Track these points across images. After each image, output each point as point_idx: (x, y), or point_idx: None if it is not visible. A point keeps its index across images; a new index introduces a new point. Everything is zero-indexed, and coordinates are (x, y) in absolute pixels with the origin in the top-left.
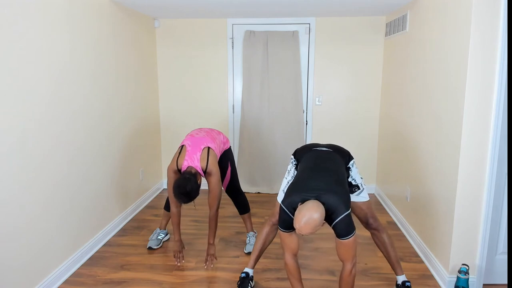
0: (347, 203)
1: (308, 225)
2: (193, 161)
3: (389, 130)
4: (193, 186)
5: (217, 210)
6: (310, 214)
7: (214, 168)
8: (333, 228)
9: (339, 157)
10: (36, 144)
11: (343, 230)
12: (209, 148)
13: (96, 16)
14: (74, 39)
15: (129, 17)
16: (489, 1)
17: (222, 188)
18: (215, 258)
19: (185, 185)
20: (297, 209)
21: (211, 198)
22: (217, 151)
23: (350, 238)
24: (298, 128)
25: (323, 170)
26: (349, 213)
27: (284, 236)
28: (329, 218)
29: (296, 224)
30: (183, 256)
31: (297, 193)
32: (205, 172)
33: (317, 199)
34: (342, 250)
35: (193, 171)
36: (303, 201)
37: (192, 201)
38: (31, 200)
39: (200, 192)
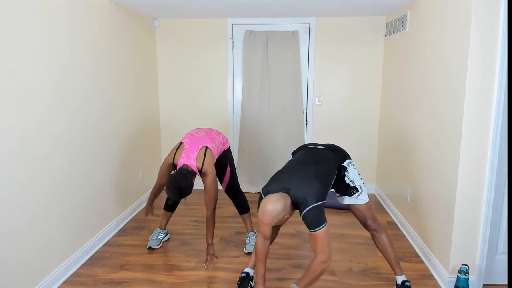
0: (319, 196)
1: (267, 216)
2: (189, 159)
3: (389, 130)
4: (188, 184)
5: (213, 210)
6: (269, 206)
7: (209, 168)
8: (302, 219)
9: (332, 155)
10: (36, 144)
11: (310, 222)
12: (206, 148)
13: (96, 16)
14: (74, 39)
15: (129, 17)
16: (489, 1)
17: (222, 188)
18: (216, 257)
19: (181, 181)
20: (262, 200)
21: (207, 199)
22: (215, 152)
23: (319, 231)
24: (298, 128)
25: (307, 163)
26: (317, 206)
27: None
28: (299, 210)
29: (258, 214)
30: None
31: (273, 184)
32: (200, 171)
33: (287, 192)
34: (312, 242)
35: (189, 169)
36: (277, 192)
37: (184, 198)
38: (31, 200)
39: (198, 192)
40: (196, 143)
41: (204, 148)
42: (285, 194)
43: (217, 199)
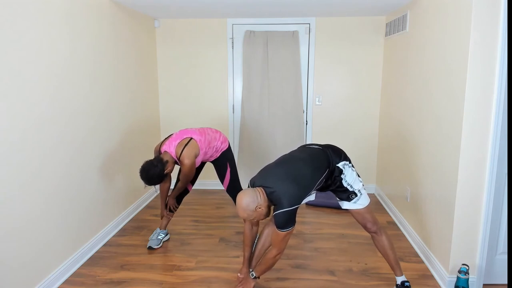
0: (293, 201)
1: (238, 208)
2: (170, 147)
3: (389, 130)
4: (155, 173)
5: (185, 184)
6: (242, 199)
7: (186, 159)
8: (273, 216)
9: (325, 154)
10: (36, 144)
11: (278, 222)
12: (191, 138)
13: (96, 16)
14: (74, 39)
15: (129, 17)
16: (489, 1)
17: (224, 188)
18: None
19: (148, 170)
20: (238, 194)
21: (181, 176)
22: (203, 145)
23: (283, 232)
24: (298, 128)
25: (290, 162)
26: (290, 210)
27: None
28: (273, 207)
29: (236, 208)
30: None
31: (258, 176)
32: (178, 159)
33: (265, 189)
34: (274, 236)
35: (164, 159)
36: (258, 185)
37: (154, 186)
38: (31, 200)
39: (198, 192)
40: (183, 135)
41: (188, 138)
42: (261, 191)
43: (190, 180)
